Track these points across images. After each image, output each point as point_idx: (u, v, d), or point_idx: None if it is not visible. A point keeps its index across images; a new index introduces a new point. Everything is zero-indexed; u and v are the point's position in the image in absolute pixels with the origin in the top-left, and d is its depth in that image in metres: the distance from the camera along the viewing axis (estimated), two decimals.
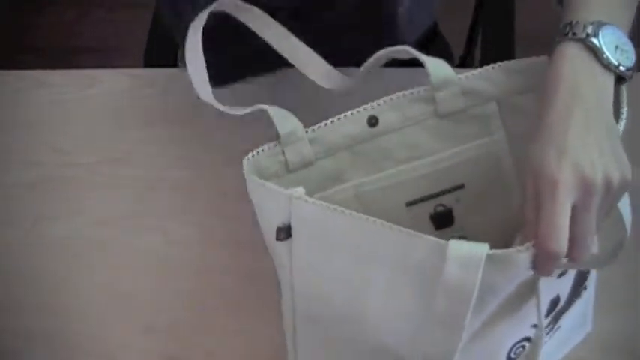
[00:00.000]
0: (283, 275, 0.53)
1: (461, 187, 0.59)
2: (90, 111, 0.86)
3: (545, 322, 0.54)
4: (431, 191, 0.59)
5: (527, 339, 0.55)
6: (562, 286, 0.54)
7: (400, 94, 0.57)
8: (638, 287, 0.68)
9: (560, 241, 0.44)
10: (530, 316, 0.53)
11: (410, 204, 0.59)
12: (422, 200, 0.59)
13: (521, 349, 0.56)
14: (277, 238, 0.51)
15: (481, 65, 0.57)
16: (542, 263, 0.45)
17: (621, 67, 0.50)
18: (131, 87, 0.87)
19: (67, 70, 0.90)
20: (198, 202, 0.75)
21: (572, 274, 0.54)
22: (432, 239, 0.45)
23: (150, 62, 1.03)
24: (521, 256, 0.44)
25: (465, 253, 0.43)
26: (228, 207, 0.73)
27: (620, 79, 0.51)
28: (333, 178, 0.58)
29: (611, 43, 0.49)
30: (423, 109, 0.58)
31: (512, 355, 0.56)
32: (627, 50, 0.50)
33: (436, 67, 0.56)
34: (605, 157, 0.46)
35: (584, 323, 0.64)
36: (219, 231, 0.72)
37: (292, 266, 0.52)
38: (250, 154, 0.54)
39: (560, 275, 0.52)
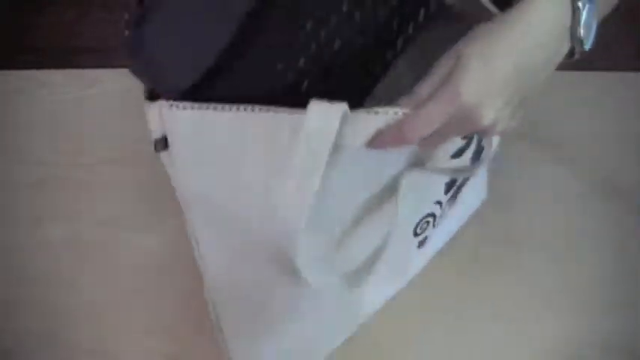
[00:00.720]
0: (174, 183, 0.54)
1: None
2: (90, 111, 0.86)
3: (445, 198, 0.60)
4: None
5: (432, 215, 0.59)
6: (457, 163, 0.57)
7: None
8: (638, 287, 0.68)
9: (419, 137, 0.44)
10: (434, 194, 0.57)
11: None
12: None
13: (425, 224, 0.60)
14: (156, 150, 0.52)
15: None
16: (389, 138, 0.45)
17: (585, 47, 0.50)
18: (131, 87, 0.87)
19: (67, 70, 0.90)
20: None
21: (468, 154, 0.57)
22: (295, 113, 0.44)
23: None
24: (372, 117, 0.44)
25: (325, 106, 0.44)
26: None
27: (571, 54, 0.50)
28: None
29: (589, 18, 0.49)
30: None
31: (419, 231, 0.60)
32: (592, 34, 0.50)
33: None
34: (507, 110, 0.46)
35: (480, 192, 0.70)
36: None
37: (177, 174, 0.54)
38: None
39: (455, 156, 0.55)
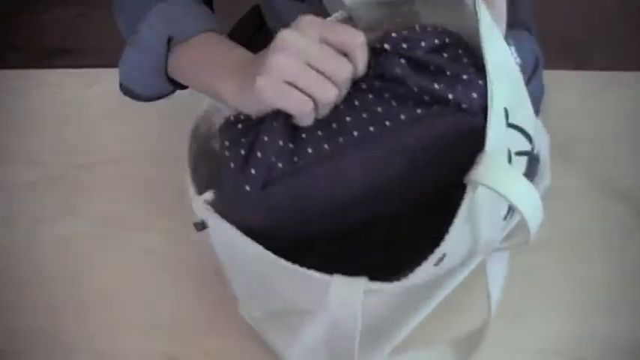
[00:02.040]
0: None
1: None
2: (90, 111, 0.86)
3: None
4: None
5: None
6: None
7: None
8: (638, 287, 0.68)
9: None
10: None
11: None
12: None
13: None
14: (196, 230, 0.54)
15: None
16: None
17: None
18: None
19: (67, 70, 0.90)
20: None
21: None
22: (316, 278, 0.48)
23: None
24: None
25: (345, 284, 0.47)
26: None
27: None
28: None
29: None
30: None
31: None
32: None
33: None
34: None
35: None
36: None
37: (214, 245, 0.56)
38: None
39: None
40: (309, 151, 0.50)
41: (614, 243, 0.71)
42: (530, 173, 0.61)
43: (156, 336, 0.67)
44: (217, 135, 0.56)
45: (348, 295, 0.47)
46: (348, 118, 0.51)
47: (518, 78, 0.51)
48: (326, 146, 0.50)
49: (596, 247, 0.71)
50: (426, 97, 0.50)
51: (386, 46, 0.51)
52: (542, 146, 0.68)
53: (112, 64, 0.93)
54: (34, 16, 1.98)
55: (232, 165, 0.50)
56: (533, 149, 0.57)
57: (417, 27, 0.53)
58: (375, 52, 0.52)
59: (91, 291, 0.70)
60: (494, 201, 0.46)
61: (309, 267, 0.48)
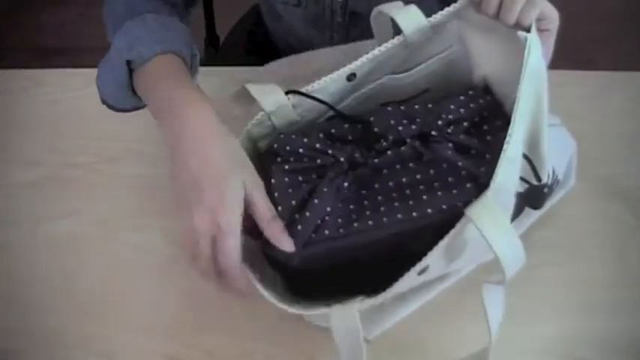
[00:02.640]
0: None
1: (426, 91, 0.68)
2: (90, 111, 0.86)
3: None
4: (401, 97, 0.67)
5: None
6: None
7: (376, 50, 0.64)
8: (638, 287, 0.68)
9: None
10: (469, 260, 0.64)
11: (384, 104, 0.64)
12: (396, 102, 0.64)
13: None
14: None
15: None
16: None
17: None
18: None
19: (66, 70, 0.90)
20: None
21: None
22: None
23: None
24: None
25: (341, 311, 0.53)
26: None
27: None
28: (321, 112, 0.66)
29: None
30: (396, 52, 0.65)
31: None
32: None
33: (408, 21, 0.63)
34: None
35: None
36: None
37: None
38: (245, 130, 0.62)
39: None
40: (355, 225, 0.56)
41: (615, 243, 0.71)
42: (539, 199, 0.66)
43: (156, 336, 0.67)
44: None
45: (347, 320, 0.53)
46: (396, 204, 0.57)
47: (543, 117, 0.58)
48: (370, 223, 0.56)
49: (597, 248, 0.71)
50: (463, 173, 0.57)
51: (433, 133, 0.59)
52: (570, 151, 0.72)
53: None
54: (34, 16, 1.98)
55: (280, 209, 0.56)
56: (543, 183, 0.62)
57: (460, 98, 0.61)
58: (424, 136, 0.59)
59: (91, 291, 0.70)
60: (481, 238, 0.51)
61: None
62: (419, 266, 0.53)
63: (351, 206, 0.57)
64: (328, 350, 0.64)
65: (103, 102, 0.70)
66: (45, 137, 0.83)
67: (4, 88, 0.89)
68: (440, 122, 0.59)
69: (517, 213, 0.63)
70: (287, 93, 0.63)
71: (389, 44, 0.64)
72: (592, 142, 0.78)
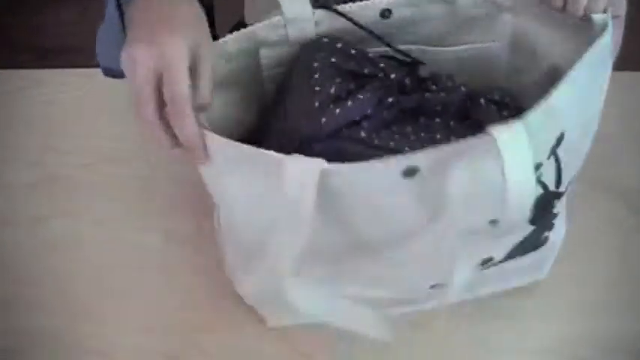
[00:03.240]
0: None
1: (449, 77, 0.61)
2: (90, 111, 0.86)
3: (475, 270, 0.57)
4: (425, 71, 0.61)
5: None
6: (495, 249, 0.57)
7: None
8: (639, 287, 0.68)
9: None
10: (458, 270, 0.55)
11: None
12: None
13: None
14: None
15: None
16: None
17: None
18: (130, 87, 0.87)
19: (67, 70, 0.90)
20: (199, 202, 0.75)
21: (511, 242, 0.57)
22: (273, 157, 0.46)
23: None
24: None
25: (301, 165, 0.46)
26: None
27: None
28: None
29: None
30: (440, 9, 0.59)
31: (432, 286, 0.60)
32: None
33: None
34: None
35: (538, 270, 0.66)
36: None
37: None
38: (250, 27, 0.57)
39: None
40: (391, 144, 0.52)
41: (614, 243, 0.71)
42: (546, 208, 0.58)
43: (155, 336, 0.67)
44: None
45: (304, 174, 0.46)
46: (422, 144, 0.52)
47: (594, 119, 0.54)
48: (392, 144, 0.53)
49: (596, 247, 0.71)
50: None
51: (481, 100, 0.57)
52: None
53: None
54: (34, 15, 1.98)
55: (318, 89, 0.52)
56: (561, 191, 0.56)
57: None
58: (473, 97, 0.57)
59: (91, 290, 0.70)
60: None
61: None
62: (404, 162, 0.46)
63: (394, 127, 0.54)
64: (327, 350, 0.64)
65: (107, 72, 0.66)
66: (44, 137, 0.83)
67: (4, 88, 0.89)
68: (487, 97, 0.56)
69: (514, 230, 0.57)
70: (317, 7, 0.57)
71: None
72: (592, 142, 0.78)
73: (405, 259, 0.55)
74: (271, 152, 0.46)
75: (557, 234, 0.63)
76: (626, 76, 0.86)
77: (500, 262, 0.59)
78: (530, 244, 0.59)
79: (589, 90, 0.51)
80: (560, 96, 0.47)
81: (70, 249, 0.73)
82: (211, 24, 1.26)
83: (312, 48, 0.56)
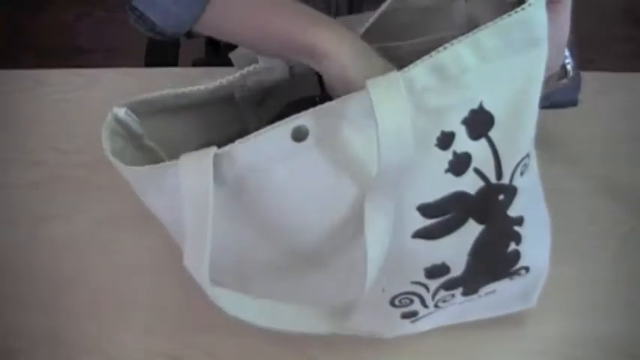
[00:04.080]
0: None
1: None
2: (90, 111, 0.86)
3: (434, 285, 0.56)
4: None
5: (411, 293, 0.56)
6: (445, 252, 0.54)
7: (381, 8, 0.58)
8: (638, 287, 0.68)
9: None
10: (412, 273, 0.54)
11: None
12: None
13: (407, 300, 0.57)
14: None
15: None
16: None
17: None
18: (131, 87, 0.87)
19: (67, 70, 0.90)
20: None
21: (461, 246, 0.54)
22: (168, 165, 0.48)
23: (150, 62, 1.03)
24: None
25: (194, 159, 0.47)
26: None
27: None
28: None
29: None
30: (394, 3, 0.58)
31: (397, 303, 0.58)
32: None
33: None
34: None
35: (525, 298, 0.64)
36: None
37: None
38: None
39: (435, 237, 0.53)
40: None
41: (614, 243, 0.71)
42: (490, 201, 0.54)
43: (156, 336, 0.67)
44: None
45: (198, 166, 0.46)
46: None
47: (530, 101, 0.50)
48: None
49: (597, 248, 0.71)
50: None
51: None
52: None
53: (112, 64, 0.93)
54: (34, 16, 1.97)
55: None
56: (504, 184, 0.52)
57: None
58: None
59: (91, 291, 0.70)
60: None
61: None
62: (290, 124, 0.46)
63: None
64: (328, 350, 0.65)
65: (137, 20, 0.59)
66: (45, 137, 0.83)
67: (2, 88, 0.89)
68: None
69: (458, 223, 0.53)
70: None
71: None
72: (592, 142, 0.78)
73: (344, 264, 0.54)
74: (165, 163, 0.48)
75: (538, 259, 0.61)
76: (627, 77, 0.86)
77: (465, 278, 0.56)
78: (491, 257, 0.56)
79: (508, 65, 0.49)
80: (453, 56, 0.47)
81: (70, 249, 0.73)
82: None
83: (295, 106, 0.56)
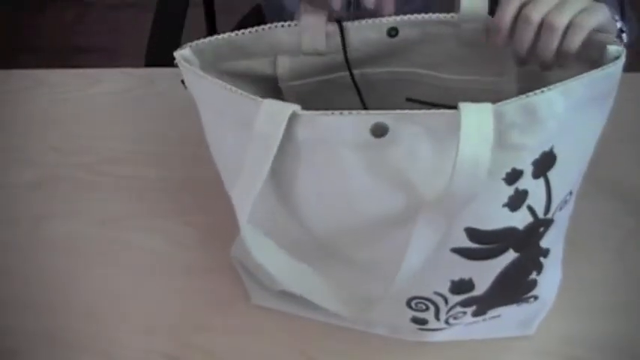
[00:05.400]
0: None
1: (454, 107, 0.60)
2: (90, 111, 0.86)
3: (453, 300, 0.57)
4: (431, 99, 0.62)
5: (429, 300, 0.57)
6: (476, 271, 0.55)
7: (425, 15, 0.58)
8: (638, 288, 0.68)
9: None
10: (438, 282, 0.55)
11: (410, 100, 0.61)
12: (420, 102, 0.61)
13: (423, 306, 0.58)
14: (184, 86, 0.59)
15: None
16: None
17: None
18: (131, 87, 0.87)
19: (67, 70, 0.90)
20: (199, 202, 0.75)
21: (493, 269, 0.55)
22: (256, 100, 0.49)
23: (150, 62, 1.03)
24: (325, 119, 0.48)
25: (276, 107, 0.48)
26: (228, 206, 0.73)
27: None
28: (340, 66, 0.61)
29: None
30: (445, 30, 0.59)
31: (413, 305, 0.58)
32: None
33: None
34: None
35: (526, 325, 0.65)
36: (219, 230, 0.72)
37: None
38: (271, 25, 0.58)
39: (472, 258, 0.53)
40: None
41: (614, 243, 0.71)
42: (532, 234, 0.55)
43: (156, 336, 0.67)
44: None
45: (276, 112, 0.48)
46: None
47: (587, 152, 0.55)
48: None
49: (596, 248, 0.71)
50: None
51: None
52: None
53: (112, 64, 0.93)
54: (34, 16, 1.98)
55: None
56: (549, 218, 0.54)
57: None
58: None
59: (92, 291, 0.70)
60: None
61: None
62: (373, 118, 0.47)
63: None
64: (328, 350, 0.65)
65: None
66: (45, 137, 0.83)
67: (5, 88, 0.89)
68: None
69: (500, 252, 0.53)
70: (330, 21, 0.59)
71: (440, 15, 0.58)
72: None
73: (371, 259, 0.55)
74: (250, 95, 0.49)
75: (549, 290, 0.62)
76: (627, 77, 0.86)
77: (483, 299, 0.57)
78: (514, 283, 0.57)
79: (587, 114, 0.51)
80: (546, 101, 0.47)
81: (70, 249, 0.73)
82: (212, 24, 1.27)
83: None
